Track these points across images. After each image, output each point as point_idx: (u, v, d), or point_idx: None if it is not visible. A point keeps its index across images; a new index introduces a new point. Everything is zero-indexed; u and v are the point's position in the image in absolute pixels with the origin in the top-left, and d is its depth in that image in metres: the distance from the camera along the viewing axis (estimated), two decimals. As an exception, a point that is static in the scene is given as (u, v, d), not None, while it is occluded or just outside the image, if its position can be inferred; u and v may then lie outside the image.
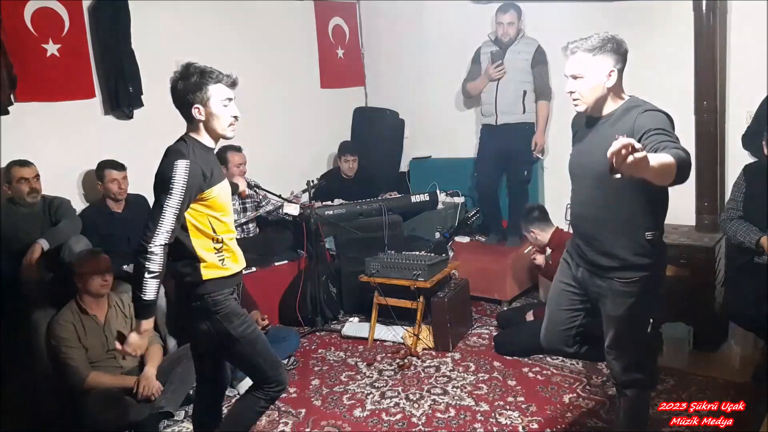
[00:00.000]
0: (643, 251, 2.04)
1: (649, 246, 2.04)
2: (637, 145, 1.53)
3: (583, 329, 2.33)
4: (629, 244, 2.04)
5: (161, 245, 1.91)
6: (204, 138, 2.10)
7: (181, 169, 1.95)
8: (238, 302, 2.19)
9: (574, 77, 2.03)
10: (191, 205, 2.01)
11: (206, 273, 2.05)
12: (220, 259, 2.09)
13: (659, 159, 1.65)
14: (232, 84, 2.09)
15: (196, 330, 2.12)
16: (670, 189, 4.09)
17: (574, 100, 2.07)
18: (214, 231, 2.08)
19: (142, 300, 1.93)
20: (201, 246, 2.05)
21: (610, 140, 1.91)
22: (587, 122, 2.14)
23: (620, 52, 2.02)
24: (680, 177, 1.71)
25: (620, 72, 2.03)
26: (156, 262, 1.91)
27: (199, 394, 2.41)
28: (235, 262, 2.16)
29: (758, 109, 3.42)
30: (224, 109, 2.06)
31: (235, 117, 2.10)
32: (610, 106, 2.05)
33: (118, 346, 2.07)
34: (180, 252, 2.03)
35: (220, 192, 2.10)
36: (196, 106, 2.02)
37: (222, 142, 4.42)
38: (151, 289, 1.92)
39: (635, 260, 2.04)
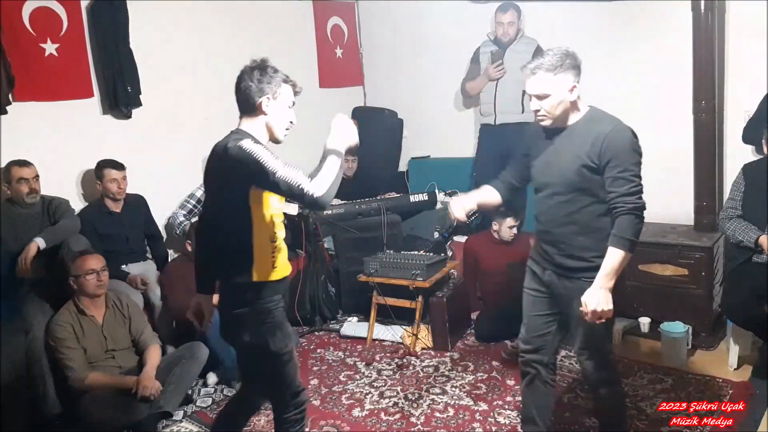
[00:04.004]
0: (606, 252, 2.09)
1: None
2: (594, 307, 1.98)
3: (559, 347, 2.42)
4: (594, 246, 2.11)
5: (310, 182, 1.87)
6: (259, 134, 2.05)
7: (250, 145, 1.89)
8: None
9: (539, 97, 2.11)
10: (257, 195, 1.96)
11: (259, 275, 2.00)
12: (273, 259, 2.05)
13: (615, 267, 1.99)
14: (298, 92, 2.12)
15: (240, 339, 2.06)
16: (668, 189, 4.11)
17: (541, 117, 2.15)
18: (274, 226, 2.05)
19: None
20: (259, 243, 2.00)
21: (577, 149, 2.07)
22: (548, 133, 2.21)
23: (577, 66, 2.10)
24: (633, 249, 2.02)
25: (578, 83, 2.12)
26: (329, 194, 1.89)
27: (233, 399, 2.34)
28: (284, 265, 2.13)
29: (762, 101, 3.38)
30: (288, 110, 2.08)
31: (292, 122, 2.11)
32: (573, 117, 2.15)
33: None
34: (232, 248, 2.00)
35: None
36: (267, 95, 2.02)
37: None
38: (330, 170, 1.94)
39: (600, 261, 2.09)
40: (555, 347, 2.38)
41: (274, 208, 2.06)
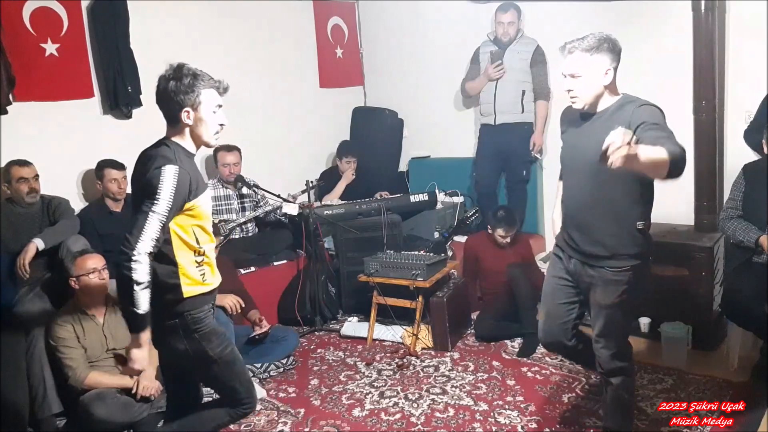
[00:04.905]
0: (633, 240, 2.13)
1: (639, 235, 2.13)
2: (632, 140, 1.61)
3: (580, 324, 2.42)
4: (620, 234, 2.13)
5: (145, 253, 1.80)
6: (187, 143, 2.01)
7: (170, 174, 1.85)
8: (215, 319, 2.10)
9: (573, 76, 2.10)
10: (176, 216, 1.92)
11: (188, 290, 1.96)
12: (201, 273, 2.00)
13: (652, 153, 1.72)
14: (224, 90, 2.02)
15: (171, 350, 2.03)
16: (668, 189, 4.10)
17: (573, 98, 2.13)
18: (198, 242, 1.99)
19: (136, 313, 1.82)
20: (184, 260, 1.96)
21: (604, 135, 1.98)
22: (581, 117, 2.20)
23: (615, 51, 2.09)
24: (674, 171, 1.78)
25: (615, 70, 2.10)
26: (142, 271, 1.79)
27: (169, 418, 2.27)
28: (213, 276, 2.07)
29: (762, 104, 3.37)
30: (213, 115, 1.99)
31: (222, 125, 2.03)
32: (606, 102, 2.13)
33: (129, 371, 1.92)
34: (161, 266, 1.93)
35: (205, 201, 2.02)
36: (186, 109, 1.93)
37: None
38: (143, 300, 1.81)
39: (625, 249, 2.12)
40: (573, 332, 2.40)
41: (203, 219, 2.00)
